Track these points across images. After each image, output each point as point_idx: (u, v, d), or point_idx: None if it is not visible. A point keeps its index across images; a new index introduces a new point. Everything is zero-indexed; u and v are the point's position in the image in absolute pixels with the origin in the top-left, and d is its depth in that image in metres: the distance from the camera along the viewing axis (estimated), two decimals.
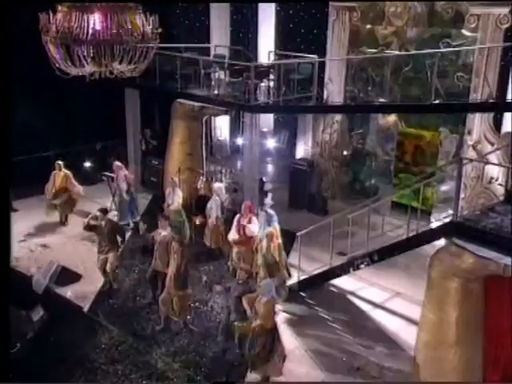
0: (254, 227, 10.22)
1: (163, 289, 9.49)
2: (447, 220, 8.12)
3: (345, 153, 15.23)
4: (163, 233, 9.79)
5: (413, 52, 13.28)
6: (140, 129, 16.47)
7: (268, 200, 15.47)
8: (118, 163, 13.76)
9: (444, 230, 7.99)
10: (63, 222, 13.75)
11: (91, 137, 17.09)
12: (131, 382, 8.26)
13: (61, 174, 13.54)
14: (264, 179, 16.03)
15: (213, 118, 17.13)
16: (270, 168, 17.88)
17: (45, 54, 10.18)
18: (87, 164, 17.04)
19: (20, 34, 11.35)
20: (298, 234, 10.52)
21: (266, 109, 13.95)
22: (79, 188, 13.80)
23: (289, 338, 9.08)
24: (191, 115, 14.77)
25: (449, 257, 7.68)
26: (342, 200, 14.86)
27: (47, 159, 15.55)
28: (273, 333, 7.74)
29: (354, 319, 9.93)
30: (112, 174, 14.09)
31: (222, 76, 14.40)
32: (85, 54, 11.21)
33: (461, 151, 12.46)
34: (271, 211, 10.34)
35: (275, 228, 10.06)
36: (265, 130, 17.69)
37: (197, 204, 13.26)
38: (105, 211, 10.68)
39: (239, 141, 17.26)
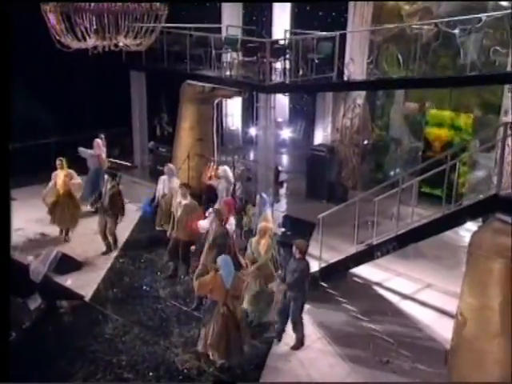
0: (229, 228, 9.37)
1: (184, 260, 9.89)
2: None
3: (367, 140, 14.84)
4: (184, 201, 9.87)
5: (456, 18, 12.74)
6: (148, 113, 16.19)
7: (283, 190, 15.21)
8: (98, 141, 13.47)
9: (487, 205, 7.53)
10: (65, 238, 12.02)
11: (94, 124, 16.78)
12: (137, 374, 7.87)
13: (61, 176, 11.80)
14: (280, 168, 15.73)
15: (224, 102, 16.87)
16: (285, 159, 17.60)
17: (45, 34, 9.98)
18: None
19: (18, 15, 11.09)
20: (319, 216, 10.11)
21: (281, 88, 13.61)
22: (80, 182, 12.62)
23: (310, 328, 8.86)
24: (201, 97, 14.45)
25: (492, 234, 7.22)
26: (364, 190, 14.36)
27: (46, 147, 15.28)
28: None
29: (380, 310, 9.58)
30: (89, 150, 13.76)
31: (235, 56, 14.07)
32: (87, 25, 10.98)
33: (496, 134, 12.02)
34: (264, 195, 10.10)
35: (266, 218, 9.54)
36: (280, 120, 17.41)
37: (207, 193, 12.96)
38: (113, 175, 11.22)
39: (252, 131, 17.03)
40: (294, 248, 8.39)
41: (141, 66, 15.49)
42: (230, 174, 11.85)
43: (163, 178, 11.79)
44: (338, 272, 10.09)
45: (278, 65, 14.00)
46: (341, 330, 9.01)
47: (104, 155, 13.60)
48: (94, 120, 16.66)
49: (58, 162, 11.83)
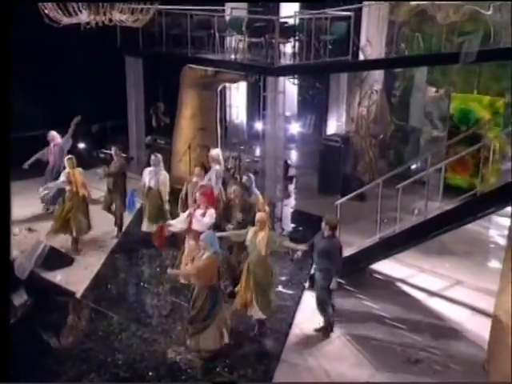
0: (204, 223, 9.00)
1: None
2: None
3: (385, 130, 14.61)
4: (200, 182, 9.97)
5: None
6: (145, 104, 15.96)
7: (292, 187, 14.97)
8: (53, 132, 12.91)
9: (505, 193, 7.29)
10: (77, 248, 11.14)
11: (85, 116, 16.53)
12: (135, 372, 7.56)
13: (78, 176, 10.96)
14: (289, 162, 15.51)
15: (228, 92, 16.71)
16: (294, 154, 17.38)
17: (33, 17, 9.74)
18: (81, 146, 16.45)
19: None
20: (336, 202, 9.83)
21: (291, 70, 13.35)
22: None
23: None
24: (204, 82, 14.19)
25: None
26: (383, 186, 14.17)
27: (33, 140, 15.02)
28: (213, 296, 7.45)
29: (406, 307, 9.32)
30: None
31: (240, 37, 13.85)
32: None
33: None
34: (251, 175, 9.82)
35: (257, 198, 9.34)
36: (288, 114, 17.19)
37: None
38: (121, 148, 11.57)
39: (258, 125, 16.87)
40: (323, 224, 8.23)
41: (137, 51, 15.21)
42: (222, 158, 11.48)
43: (149, 169, 11.12)
44: (356, 267, 9.80)
45: (288, 49, 13.83)
46: (362, 328, 8.75)
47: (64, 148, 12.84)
48: (85, 112, 16.45)
49: (68, 162, 11.00)
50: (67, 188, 10.85)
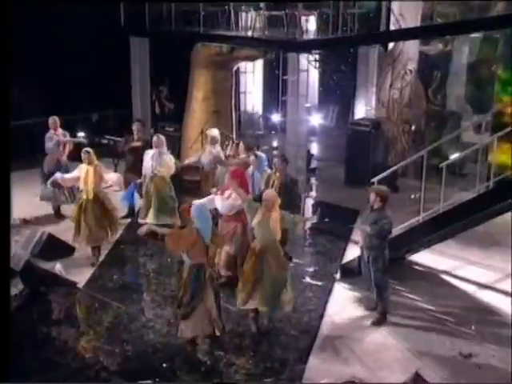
0: (227, 204, 8.80)
1: None
2: None
3: (420, 115, 14.34)
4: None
5: None
6: (151, 88, 15.83)
7: (313, 180, 14.74)
8: (55, 117, 11.92)
9: None
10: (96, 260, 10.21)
11: (86, 104, 16.37)
12: (146, 365, 7.31)
13: (91, 174, 9.82)
14: (311, 152, 15.28)
15: (243, 76, 16.46)
16: (316, 148, 17.09)
17: None
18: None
19: None
20: (373, 179, 9.62)
21: (315, 45, 13.13)
22: (119, 176, 10.86)
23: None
24: (218, 61, 14.08)
25: None
26: (416, 178, 13.88)
27: (28, 128, 14.80)
28: (197, 276, 7.12)
29: (451, 300, 9.03)
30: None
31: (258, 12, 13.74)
32: None
33: None
34: (258, 153, 9.69)
35: (270, 177, 9.10)
36: (308, 105, 16.97)
37: None
38: (143, 123, 11.92)
39: (275, 117, 16.76)
40: (371, 196, 8.06)
41: (144, 31, 15.13)
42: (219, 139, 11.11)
43: (151, 152, 10.60)
44: (394, 255, 9.21)
45: (310, 25, 13.68)
46: (404, 319, 8.47)
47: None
48: (84, 99, 16.33)
49: (83, 155, 9.86)
50: (80, 187, 10.00)
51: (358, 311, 8.68)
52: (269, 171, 9.19)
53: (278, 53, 14.35)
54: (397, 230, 9.22)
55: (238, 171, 9.03)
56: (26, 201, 11.91)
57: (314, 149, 17.11)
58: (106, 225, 10.01)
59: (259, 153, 9.66)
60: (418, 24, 13.68)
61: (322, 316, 8.50)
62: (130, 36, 15.59)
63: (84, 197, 9.86)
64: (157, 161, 10.55)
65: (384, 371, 7.27)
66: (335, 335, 8.07)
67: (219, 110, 14.05)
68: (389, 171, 10.20)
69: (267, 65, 16.30)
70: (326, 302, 8.86)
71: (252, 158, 9.40)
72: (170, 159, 10.69)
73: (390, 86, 14.36)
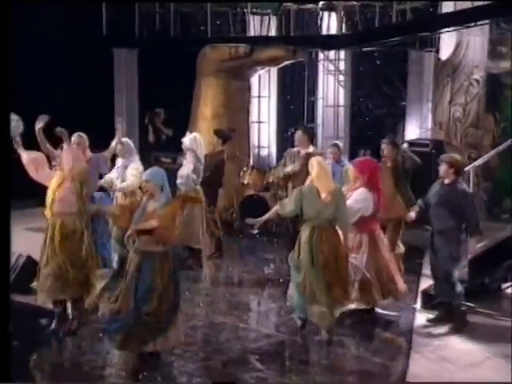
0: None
1: None
2: None
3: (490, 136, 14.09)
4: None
5: None
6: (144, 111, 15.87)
7: None
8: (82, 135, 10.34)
9: None
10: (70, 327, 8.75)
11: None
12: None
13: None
14: None
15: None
16: None
17: None
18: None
19: None
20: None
21: (363, 38, 13.58)
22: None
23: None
24: (232, 67, 14.07)
25: None
26: (487, 219, 13.54)
27: None
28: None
29: None
30: None
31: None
32: None
33: None
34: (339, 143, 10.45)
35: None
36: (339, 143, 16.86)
37: (243, 207, 13.06)
38: None
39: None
40: (442, 169, 8.22)
41: (132, 39, 15.51)
42: (202, 145, 10.90)
43: (117, 164, 10.45)
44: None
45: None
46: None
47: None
48: (59, 122, 15.97)
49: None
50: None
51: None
52: (349, 166, 9.32)
53: (310, 56, 14.27)
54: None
55: (366, 163, 8.71)
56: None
57: None
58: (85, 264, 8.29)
59: (338, 142, 10.26)
60: None
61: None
62: (113, 48, 15.83)
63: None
64: (121, 174, 10.24)
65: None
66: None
67: (235, 127, 13.67)
68: None
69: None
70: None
71: (331, 148, 10.03)
72: (136, 171, 10.07)
73: (450, 102, 14.11)
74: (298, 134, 10.58)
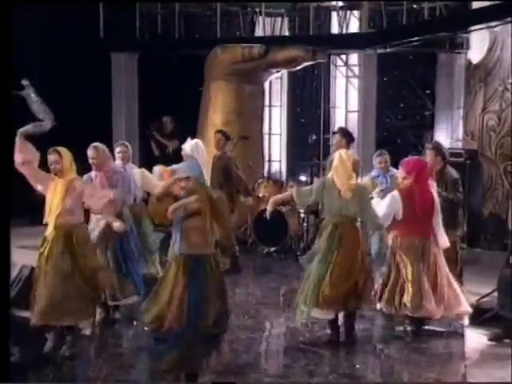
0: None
1: None
2: None
3: None
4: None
5: None
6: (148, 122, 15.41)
7: None
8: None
9: None
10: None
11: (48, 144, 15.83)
12: None
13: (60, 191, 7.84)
14: None
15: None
16: None
17: None
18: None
19: None
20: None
21: (396, 35, 13.45)
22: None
23: None
24: (245, 69, 13.96)
25: None
26: None
27: None
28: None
29: None
30: None
31: None
32: None
33: None
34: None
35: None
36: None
37: (258, 223, 12.80)
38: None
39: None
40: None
41: (132, 43, 15.47)
42: (203, 154, 10.73)
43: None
44: None
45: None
46: None
47: None
48: (44, 139, 15.76)
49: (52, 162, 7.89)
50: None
51: None
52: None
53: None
54: None
55: (413, 162, 8.74)
56: None
57: None
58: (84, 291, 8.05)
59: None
60: None
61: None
62: (111, 52, 15.71)
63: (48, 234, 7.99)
64: None
65: None
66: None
67: (248, 135, 13.67)
68: None
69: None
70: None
71: (379, 158, 9.91)
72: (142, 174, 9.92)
73: (483, 110, 13.96)
74: (336, 138, 10.51)
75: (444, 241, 8.53)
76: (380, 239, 9.29)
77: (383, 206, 8.39)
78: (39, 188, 7.87)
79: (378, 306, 8.66)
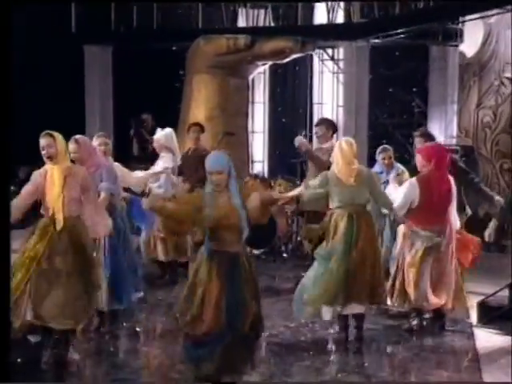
0: None
1: None
2: None
3: None
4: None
5: None
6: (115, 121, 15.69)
7: None
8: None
9: None
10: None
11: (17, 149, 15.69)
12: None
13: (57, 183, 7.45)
14: None
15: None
16: None
17: None
18: None
19: None
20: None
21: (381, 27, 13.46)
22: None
23: None
24: (230, 62, 14.01)
25: None
26: None
27: None
28: None
29: None
30: None
31: None
32: None
33: None
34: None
35: None
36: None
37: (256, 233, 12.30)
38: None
39: None
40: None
41: (107, 34, 15.50)
42: (175, 142, 10.84)
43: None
44: None
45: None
46: None
47: None
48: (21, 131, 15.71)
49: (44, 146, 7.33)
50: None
51: None
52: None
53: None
54: None
55: (433, 148, 8.79)
56: None
57: None
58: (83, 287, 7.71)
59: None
60: None
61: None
62: (84, 45, 15.63)
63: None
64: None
65: None
66: None
67: (231, 131, 13.42)
68: None
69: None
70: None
71: (382, 154, 9.86)
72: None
73: (477, 105, 14.12)
74: (322, 129, 10.52)
75: (456, 223, 8.64)
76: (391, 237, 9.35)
77: (400, 194, 8.44)
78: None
79: (389, 301, 8.62)
